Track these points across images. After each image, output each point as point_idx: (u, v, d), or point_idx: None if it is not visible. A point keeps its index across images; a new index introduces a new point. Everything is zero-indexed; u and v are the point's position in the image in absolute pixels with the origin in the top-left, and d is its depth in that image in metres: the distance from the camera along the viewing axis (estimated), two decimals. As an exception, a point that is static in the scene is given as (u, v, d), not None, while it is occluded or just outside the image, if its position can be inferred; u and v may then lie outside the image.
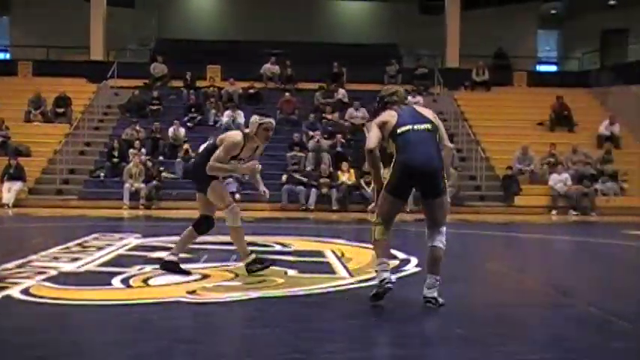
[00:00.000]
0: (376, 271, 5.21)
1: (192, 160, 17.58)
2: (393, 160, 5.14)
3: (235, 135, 6.30)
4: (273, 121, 6.34)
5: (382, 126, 5.23)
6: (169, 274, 6.28)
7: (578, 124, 20.89)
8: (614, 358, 3.88)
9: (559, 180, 17.31)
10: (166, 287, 5.87)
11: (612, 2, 26.01)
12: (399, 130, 5.12)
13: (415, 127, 5.14)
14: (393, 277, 5.26)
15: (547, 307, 5.39)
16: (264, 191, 6.68)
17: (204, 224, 6.55)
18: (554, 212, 17.01)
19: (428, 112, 5.39)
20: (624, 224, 13.78)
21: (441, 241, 5.11)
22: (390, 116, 5.24)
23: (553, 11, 28.74)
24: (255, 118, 6.27)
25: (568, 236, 12.14)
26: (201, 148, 6.98)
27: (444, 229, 5.15)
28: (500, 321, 4.90)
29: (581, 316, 5.02)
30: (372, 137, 5.20)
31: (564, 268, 8.25)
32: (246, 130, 6.34)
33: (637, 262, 9.27)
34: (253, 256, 6.44)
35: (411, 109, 5.42)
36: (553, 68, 29.59)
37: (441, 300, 5.00)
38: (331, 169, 17.35)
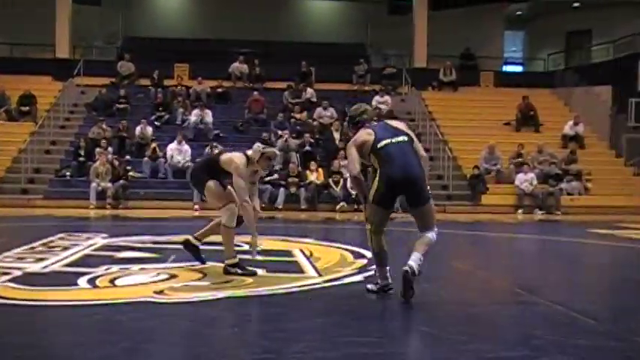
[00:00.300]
0: (378, 278, 5.50)
1: (160, 158, 17.51)
2: (377, 172, 5.31)
3: (240, 158, 6.34)
4: (276, 150, 6.50)
5: (361, 146, 5.39)
6: (142, 274, 6.23)
7: (544, 124, 21.18)
8: (579, 354, 3.94)
9: (525, 179, 17.51)
10: (133, 287, 5.82)
11: (576, 4, 26.37)
12: (379, 145, 5.31)
13: (394, 140, 5.34)
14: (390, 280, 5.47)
15: (514, 305, 5.44)
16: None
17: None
18: (520, 211, 17.20)
19: (401, 125, 5.60)
20: (588, 223, 13.99)
21: (432, 235, 5.33)
22: (367, 134, 5.42)
23: (519, 12, 29.04)
24: (258, 147, 6.37)
25: (534, 235, 12.28)
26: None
27: (435, 229, 5.38)
28: (468, 319, 4.94)
29: (547, 314, 5.08)
30: (354, 162, 5.38)
31: (530, 266, 8.34)
32: (249, 153, 6.39)
33: (601, 260, 9.40)
34: (237, 260, 6.45)
35: (384, 123, 5.62)
36: (519, 69, 29.91)
37: (417, 270, 5.12)
38: (300, 168, 17.34)
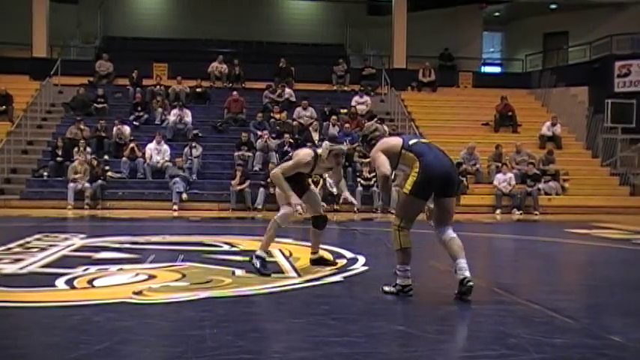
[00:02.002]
0: (397, 274, 5.52)
1: (139, 158, 17.43)
2: (415, 166, 5.42)
3: (307, 155, 6.50)
4: (343, 147, 6.54)
5: (387, 150, 5.56)
6: (120, 274, 6.19)
7: (521, 125, 21.34)
8: (556, 353, 3.97)
9: (503, 180, 17.62)
10: (112, 288, 5.79)
11: (553, 6, 26.58)
12: (410, 143, 5.58)
13: (421, 140, 5.71)
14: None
15: (491, 304, 5.48)
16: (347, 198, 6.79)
17: (317, 222, 6.87)
18: (498, 211, 17.31)
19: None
20: (566, 223, 14.11)
21: (453, 233, 5.53)
22: (392, 140, 5.68)
23: (497, 14, 29.22)
24: (326, 144, 6.48)
25: (512, 235, 12.36)
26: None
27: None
28: (446, 319, 4.97)
29: (524, 313, 5.12)
30: (384, 163, 5.52)
31: (508, 266, 8.40)
32: (319, 151, 6.50)
33: (578, 259, 9.50)
34: (265, 256, 6.59)
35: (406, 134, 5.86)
36: (497, 70, 30.07)
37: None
38: (279, 168, 17.28)
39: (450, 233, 5.53)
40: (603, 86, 21.74)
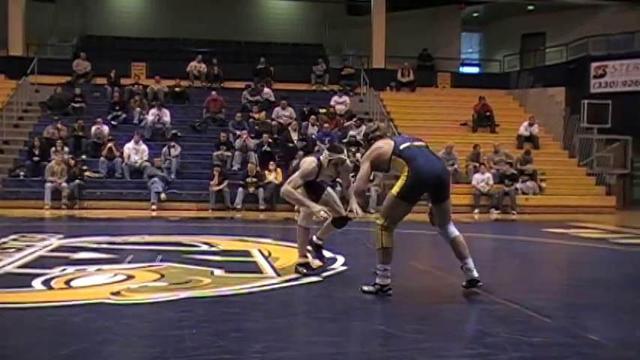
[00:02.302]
0: (377, 274, 5.53)
1: (117, 158, 17.31)
2: (405, 171, 5.48)
3: (311, 163, 6.49)
4: (343, 156, 6.46)
5: (377, 157, 5.65)
6: (98, 275, 6.15)
7: (499, 125, 21.48)
8: (534, 352, 4.01)
9: (481, 179, 17.73)
10: (90, 289, 5.75)
11: (531, 7, 26.79)
12: (401, 147, 5.62)
13: (414, 143, 5.70)
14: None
15: (470, 303, 5.51)
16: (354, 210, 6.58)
17: (338, 222, 6.78)
18: (476, 211, 17.41)
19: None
20: (543, 222, 14.22)
21: (457, 230, 5.75)
22: (384, 143, 5.71)
23: (475, 14, 29.38)
24: (326, 154, 6.47)
25: (490, 234, 12.43)
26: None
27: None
28: (425, 318, 4.98)
29: (503, 312, 5.15)
30: (363, 179, 5.76)
31: (486, 265, 8.43)
32: (322, 158, 6.49)
33: (556, 259, 9.58)
34: (307, 260, 6.66)
35: (401, 134, 5.82)
36: (475, 70, 30.24)
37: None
38: (258, 168, 17.29)
39: (454, 231, 5.74)
40: (580, 87, 21.96)
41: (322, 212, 6.29)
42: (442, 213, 5.73)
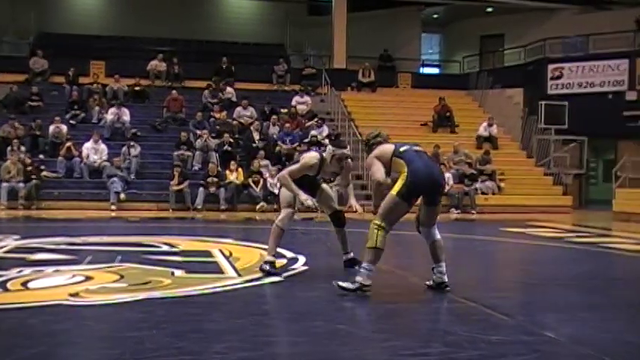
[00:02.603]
0: (360, 272, 5.51)
1: (76, 158, 17.07)
2: (404, 171, 5.55)
3: (313, 158, 6.50)
4: (346, 151, 6.51)
5: (380, 157, 5.73)
6: (56, 276, 6.06)
7: (459, 125, 21.71)
8: (492, 349, 4.06)
9: (441, 179, 17.86)
10: (47, 290, 5.67)
11: (490, 9, 27.12)
12: (401, 149, 5.72)
13: (413, 147, 5.80)
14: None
15: (430, 303, 5.56)
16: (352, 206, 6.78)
17: (335, 219, 6.84)
18: (436, 210, 17.52)
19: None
20: (502, 222, 14.41)
21: (439, 234, 5.84)
22: (386, 145, 5.83)
23: (435, 16, 29.64)
24: (330, 149, 6.51)
25: (450, 234, 12.54)
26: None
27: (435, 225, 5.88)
28: (386, 317, 5.02)
29: (462, 311, 5.21)
30: (380, 169, 5.69)
31: (447, 265, 8.52)
32: (325, 154, 6.50)
33: (514, 258, 9.72)
34: (274, 260, 6.59)
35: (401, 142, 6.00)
36: (436, 71, 30.51)
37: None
38: (219, 168, 17.21)
39: (436, 234, 5.83)
40: (537, 88, 22.30)
41: (309, 200, 6.37)
42: (431, 215, 5.82)
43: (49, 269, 6.62)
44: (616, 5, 24.84)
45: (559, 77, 22.13)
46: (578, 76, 21.82)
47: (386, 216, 5.54)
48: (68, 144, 17.36)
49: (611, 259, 9.26)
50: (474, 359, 3.87)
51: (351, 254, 6.89)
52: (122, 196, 16.31)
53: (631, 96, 20.98)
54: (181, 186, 16.46)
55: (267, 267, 6.48)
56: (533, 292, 6.43)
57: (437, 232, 5.86)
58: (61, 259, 7.36)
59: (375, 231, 5.49)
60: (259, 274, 6.49)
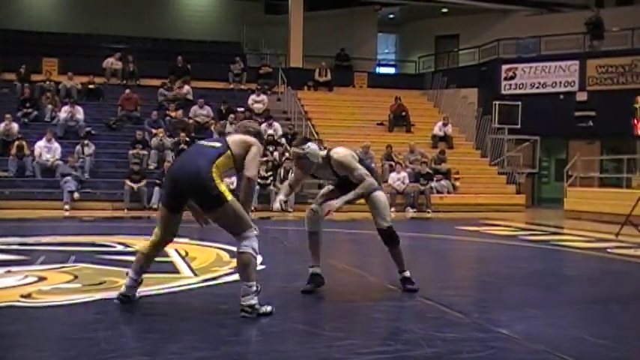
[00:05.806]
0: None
1: (28, 157, 16.74)
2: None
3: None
4: (296, 149, 5.82)
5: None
6: (8, 277, 5.94)
7: (415, 125, 21.90)
8: (447, 347, 4.12)
9: (397, 178, 18.02)
10: (-1, 292, 5.56)
11: (444, 10, 27.40)
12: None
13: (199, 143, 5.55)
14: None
15: (386, 301, 5.60)
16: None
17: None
18: (392, 210, 17.63)
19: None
20: (457, 220, 14.59)
21: (243, 246, 5.09)
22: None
23: (391, 16, 29.84)
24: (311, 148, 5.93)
25: (406, 233, 12.64)
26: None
27: None
28: (343, 316, 5.04)
29: (417, 309, 5.27)
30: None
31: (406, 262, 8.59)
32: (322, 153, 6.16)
33: (468, 256, 9.85)
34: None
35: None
36: (392, 70, 30.70)
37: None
38: (175, 167, 17.01)
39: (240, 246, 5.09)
40: (491, 88, 22.60)
41: (277, 204, 5.81)
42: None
43: (0, 270, 6.50)
44: (567, 8, 25.33)
45: (512, 78, 22.46)
46: (531, 76, 22.17)
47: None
48: (19, 142, 17.03)
49: (563, 256, 9.45)
50: (430, 357, 3.92)
51: (406, 273, 5.99)
52: (76, 195, 16.06)
53: (581, 96, 21.40)
54: (140, 184, 16.26)
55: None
56: (488, 290, 6.53)
57: (243, 243, 5.02)
58: (12, 260, 7.23)
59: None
60: (216, 274, 6.46)
